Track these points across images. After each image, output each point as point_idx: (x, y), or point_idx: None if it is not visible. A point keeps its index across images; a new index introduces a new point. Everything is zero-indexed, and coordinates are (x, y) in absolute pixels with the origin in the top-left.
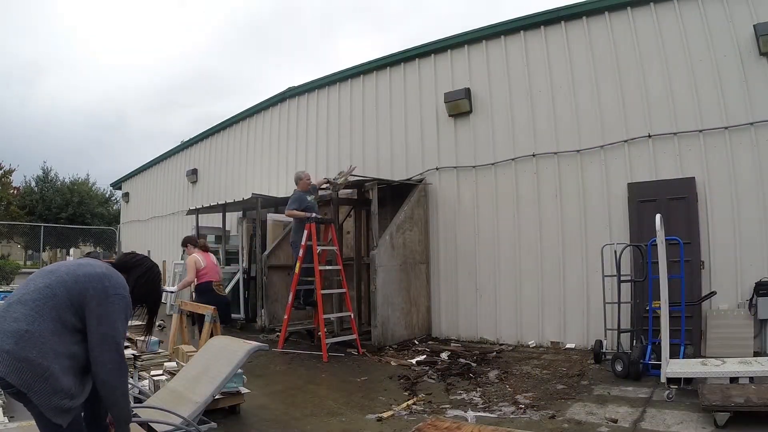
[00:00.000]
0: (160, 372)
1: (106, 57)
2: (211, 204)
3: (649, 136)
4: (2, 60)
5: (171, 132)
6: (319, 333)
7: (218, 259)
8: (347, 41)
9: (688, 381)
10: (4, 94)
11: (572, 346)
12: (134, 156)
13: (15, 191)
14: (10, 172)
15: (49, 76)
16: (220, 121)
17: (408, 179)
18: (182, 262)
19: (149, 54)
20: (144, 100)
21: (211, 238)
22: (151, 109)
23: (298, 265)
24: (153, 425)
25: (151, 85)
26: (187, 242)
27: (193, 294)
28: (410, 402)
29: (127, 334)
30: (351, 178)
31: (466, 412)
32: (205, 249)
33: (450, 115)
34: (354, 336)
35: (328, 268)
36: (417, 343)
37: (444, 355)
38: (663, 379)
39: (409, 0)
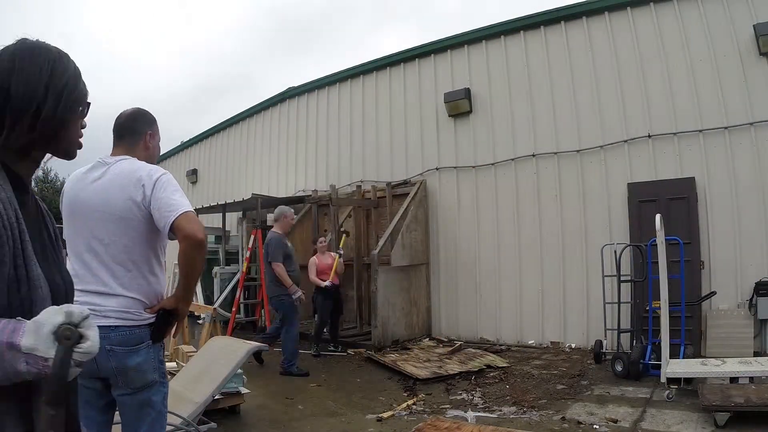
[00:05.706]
0: None
1: (145, 59)
2: (211, 204)
3: (649, 136)
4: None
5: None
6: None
7: (218, 260)
8: (395, 42)
9: (688, 381)
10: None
11: (572, 345)
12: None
13: None
14: None
15: (85, 77)
16: (220, 121)
17: (408, 179)
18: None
19: (187, 55)
20: (177, 102)
21: (211, 238)
22: (186, 111)
23: (245, 264)
24: None
25: (186, 87)
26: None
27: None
28: (410, 402)
29: None
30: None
31: (466, 412)
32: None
33: (450, 115)
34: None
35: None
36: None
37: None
38: (663, 379)
39: (462, 1)
